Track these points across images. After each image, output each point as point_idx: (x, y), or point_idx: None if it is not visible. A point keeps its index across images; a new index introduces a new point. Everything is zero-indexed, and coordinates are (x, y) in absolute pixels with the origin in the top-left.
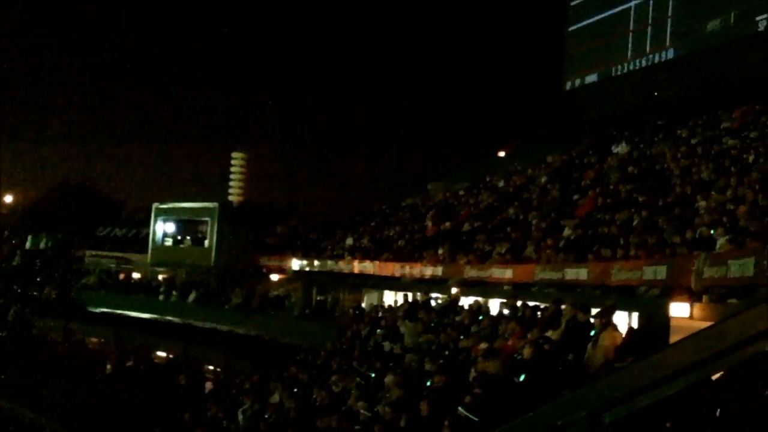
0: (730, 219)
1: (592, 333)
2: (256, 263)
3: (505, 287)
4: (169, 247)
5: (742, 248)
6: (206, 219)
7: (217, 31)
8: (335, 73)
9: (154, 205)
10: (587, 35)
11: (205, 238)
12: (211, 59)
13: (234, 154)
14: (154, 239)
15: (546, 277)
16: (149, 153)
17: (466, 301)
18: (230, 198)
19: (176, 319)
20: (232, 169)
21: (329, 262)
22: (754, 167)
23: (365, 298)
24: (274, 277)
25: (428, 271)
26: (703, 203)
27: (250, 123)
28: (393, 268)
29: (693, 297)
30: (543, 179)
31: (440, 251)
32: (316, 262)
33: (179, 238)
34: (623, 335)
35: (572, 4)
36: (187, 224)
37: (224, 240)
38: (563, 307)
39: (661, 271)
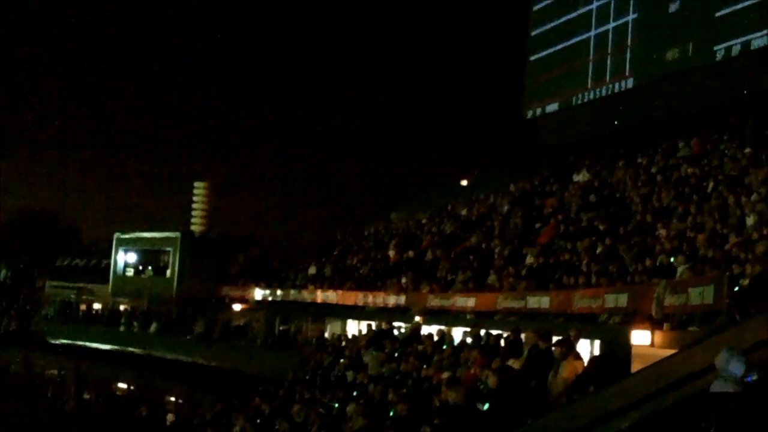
0: (690, 246)
1: (554, 361)
2: (219, 293)
3: (468, 316)
4: (130, 277)
5: (701, 276)
6: (168, 249)
7: (180, 61)
8: (297, 103)
9: (116, 235)
10: (548, 64)
11: (167, 268)
12: (173, 88)
13: (196, 184)
14: (115, 269)
15: (508, 305)
16: (111, 182)
17: (429, 330)
18: (192, 227)
19: (138, 350)
20: (195, 198)
21: (292, 292)
22: (713, 195)
23: (328, 328)
24: (237, 306)
25: (391, 299)
26: (663, 231)
27: (212, 152)
28: (356, 297)
29: (654, 324)
30: (505, 207)
31: (403, 280)
32: (278, 292)
33: (141, 268)
34: (584, 363)
35: (533, 34)
36: (149, 254)
37: (186, 270)
38: (524, 335)
39: (622, 299)
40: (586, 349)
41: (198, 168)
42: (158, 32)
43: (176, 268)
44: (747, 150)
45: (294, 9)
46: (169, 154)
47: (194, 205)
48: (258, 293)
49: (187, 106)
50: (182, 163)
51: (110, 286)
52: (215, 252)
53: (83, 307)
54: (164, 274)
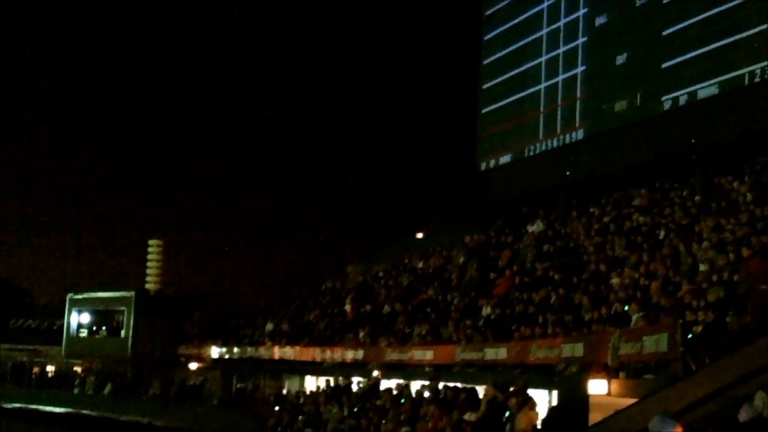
0: (644, 295)
1: (509, 413)
2: (175, 352)
3: (427, 369)
4: (84, 337)
5: (655, 324)
6: (122, 308)
7: (130, 122)
8: (248, 160)
9: (69, 296)
10: (500, 117)
11: (121, 328)
12: (127, 145)
13: (150, 242)
14: (68, 330)
15: (466, 358)
16: (63, 243)
17: (388, 384)
18: (147, 286)
19: (93, 413)
20: (149, 256)
21: (249, 349)
22: (665, 243)
23: (286, 384)
24: (193, 365)
25: (349, 354)
26: (616, 280)
27: (165, 210)
28: (314, 353)
29: (610, 373)
30: (461, 259)
31: (361, 334)
32: (235, 349)
33: (95, 328)
34: (539, 414)
35: (484, 87)
36: (103, 314)
37: (141, 329)
38: (483, 387)
39: (578, 349)
40: (544, 399)
41: (151, 226)
42: (108, 94)
43: (131, 328)
44: (696, 198)
45: (249, 75)
46: (122, 212)
47: (148, 264)
48: (214, 351)
49: (137, 164)
50: (135, 221)
51: (63, 348)
52: (170, 310)
53: (36, 369)
54: (118, 334)
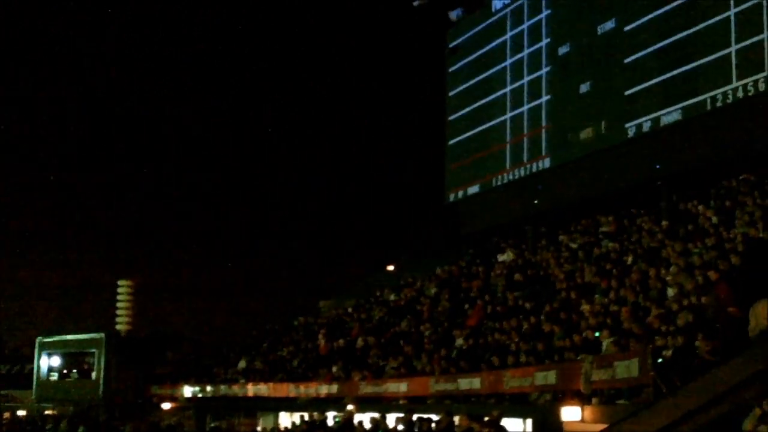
0: (614, 321)
1: None
2: (148, 393)
3: (401, 401)
4: (54, 381)
5: (626, 350)
6: (93, 350)
7: (99, 161)
8: (215, 196)
9: (38, 339)
10: (466, 148)
11: (92, 371)
12: (93, 186)
13: (120, 282)
14: (38, 374)
15: (441, 389)
16: (30, 285)
17: (363, 418)
18: (118, 327)
19: None
20: (119, 297)
21: (222, 387)
22: (633, 269)
23: (261, 422)
24: (166, 405)
25: (323, 389)
26: (587, 307)
27: (134, 250)
28: (288, 389)
29: (583, 400)
30: (432, 291)
31: (334, 369)
32: (208, 388)
33: (65, 371)
34: None
35: (450, 118)
36: (73, 357)
37: (112, 371)
38: (457, 418)
39: (551, 377)
40: (519, 428)
41: (120, 267)
42: (72, 129)
43: (102, 370)
44: (663, 223)
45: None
46: (90, 254)
47: (118, 305)
48: (187, 390)
49: (105, 205)
50: (103, 262)
51: (34, 392)
52: (142, 351)
53: (7, 414)
54: (89, 376)
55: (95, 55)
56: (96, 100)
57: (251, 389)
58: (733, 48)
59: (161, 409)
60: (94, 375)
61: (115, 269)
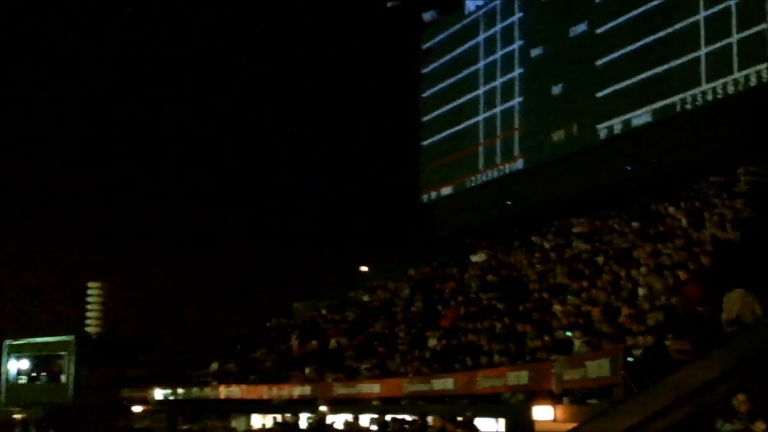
0: (586, 321)
1: None
2: (119, 396)
3: (375, 402)
4: (23, 384)
5: (597, 350)
6: (62, 353)
7: (69, 161)
8: (191, 196)
9: (6, 342)
10: (440, 149)
11: (61, 374)
12: (63, 187)
13: (90, 284)
14: (7, 378)
15: (414, 390)
16: None
17: (337, 419)
18: (88, 330)
19: None
20: (89, 299)
21: (194, 390)
22: (605, 269)
23: (233, 424)
24: (137, 408)
25: (297, 391)
26: (559, 307)
27: (104, 252)
28: (261, 391)
29: (555, 400)
30: (406, 292)
31: (307, 371)
32: (180, 390)
33: (34, 375)
34: None
35: (424, 120)
36: (42, 360)
37: (83, 375)
38: (431, 419)
39: (523, 377)
40: (492, 428)
41: (90, 269)
42: (45, 130)
43: (72, 374)
44: (634, 224)
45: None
46: (59, 256)
47: (88, 307)
48: (158, 393)
49: (74, 206)
50: (73, 264)
51: (3, 396)
52: (113, 354)
53: None
54: (59, 380)
55: (71, 48)
56: (66, 103)
57: (224, 391)
58: (703, 51)
59: (132, 412)
60: (63, 378)
61: (84, 272)
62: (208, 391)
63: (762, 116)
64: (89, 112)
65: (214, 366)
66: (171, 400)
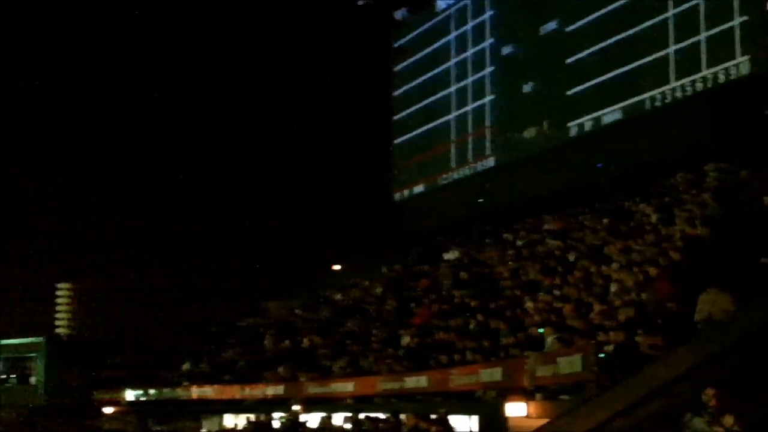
0: (558, 317)
1: None
2: (89, 398)
3: (348, 401)
4: None
5: (569, 346)
6: (32, 355)
7: (39, 160)
8: (159, 197)
9: None
10: (412, 147)
11: (31, 375)
12: (31, 183)
13: (60, 285)
14: None
15: (388, 388)
16: None
17: (310, 419)
18: (58, 331)
19: None
20: (59, 301)
21: (165, 390)
22: (576, 266)
23: (205, 424)
24: (108, 409)
25: (270, 390)
26: (531, 304)
27: (74, 253)
28: (234, 391)
29: (528, 396)
30: (379, 290)
31: (280, 370)
32: (151, 391)
33: (3, 376)
34: None
35: (396, 118)
36: (12, 362)
37: (53, 376)
38: (403, 416)
39: (496, 374)
40: (465, 425)
41: (60, 269)
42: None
43: (42, 376)
44: (605, 221)
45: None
46: (29, 255)
47: (58, 308)
48: (129, 394)
49: (42, 205)
50: (42, 265)
51: None
52: (84, 355)
53: None
54: (29, 381)
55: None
56: (32, 104)
57: (196, 392)
58: (672, 49)
59: (103, 414)
60: (33, 380)
61: (54, 272)
62: (180, 392)
63: (730, 113)
64: (57, 113)
65: (186, 366)
66: (142, 401)
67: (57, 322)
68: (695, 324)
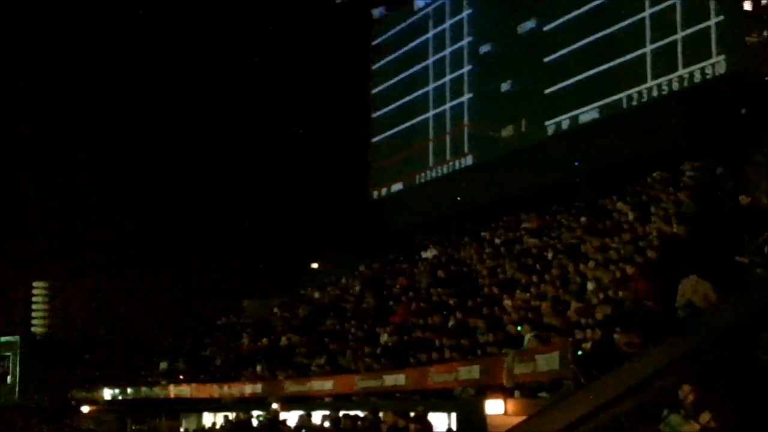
0: (536, 315)
1: None
2: (66, 397)
3: (327, 399)
4: None
5: (547, 344)
6: (7, 354)
7: (11, 158)
8: (135, 195)
9: None
10: (390, 146)
11: (7, 375)
12: (6, 182)
13: (35, 284)
14: None
15: (366, 386)
16: None
17: (289, 417)
18: (34, 330)
19: None
20: (35, 299)
21: (144, 389)
22: (554, 264)
23: (183, 423)
24: (85, 408)
25: (248, 389)
26: (509, 302)
27: (50, 252)
28: (211, 390)
29: (506, 394)
30: (357, 288)
31: (258, 368)
32: (129, 390)
33: None
34: None
35: (374, 116)
36: None
37: (29, 375)
38: (382, 414)
39: (474, 372)
40: (444, 423)
41: (35, 268)
42: None
43: (18, 375)
44: (582, 219)
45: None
46: (4, 253)
47: (34, 306)
48: (107, 393)
49: (17, 204)
50: (18, 263)
51: None
52: (60, 354)
53: None
54: (5, 381)
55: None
56: (6, 102)
57: (173, 390)
58: (648, 48)
59: (81, 413)
60: (9, 379)
61: (30, 271)
62: (157, 391)
63: (706, 112)
64: (36, 114)
65: (164, 365)
66: (120, 400)
67: (33, 321)
68: (673, 319)
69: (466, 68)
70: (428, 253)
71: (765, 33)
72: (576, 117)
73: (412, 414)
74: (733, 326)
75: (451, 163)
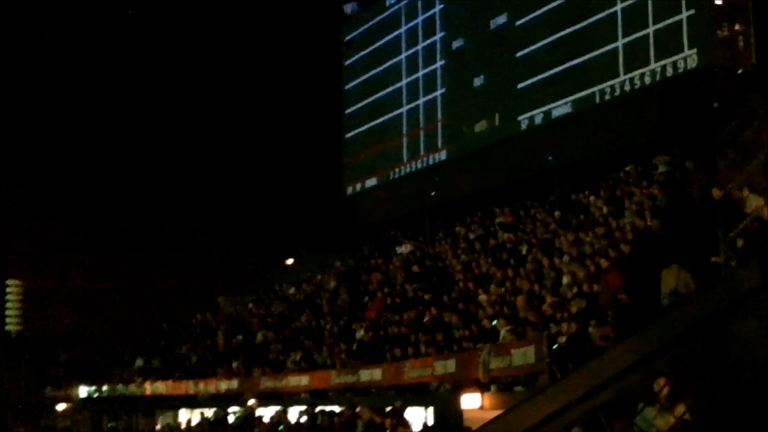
0: (510, 310)
1: None
2: (41, 395)
3: (303, 395)
4: None
5: (522, 338)
6: None
7: None
8: (108, 194)
9: None
10: (364, 141)
11: None
12: None
13: (9, 282)
14: None
15: (342, 381)
16: None
17: (265, 413)
18: (7, 328)
19: None
20: (8, 297)
21: (119, 387)
22: (528, 258)
23: (159, 420)
24: (60, 406)
25: (223, 386)
26: (484, 297)
27: (23, 249)
28: (187, 386)
29: (482, 388)
30: (332, 284)
31: (234, 365)
32: (104, 388)
33: None
34: None
35: (347, 112)
36: None
37: (2, 373)
38: (359, 410)
39: (450, 366)
40: (420, 417)
41: (9, 266)
42: None
43: None
44: (556, 214)
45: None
46: None
47: (8, 305)
48: (82, 391)
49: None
50: None
51: None
52: (34, 353)
53: None
54: None
55: None
56: None
57: (149, 388)
58: (620, 42)
59: (56, 411)
60: None
61: (2, 269)
62: (133, 388)
63: (677, 106)
64: (3, 110)
65: (139, 362)
66: (95, 398)
67: (6, 320)
68: (646, 312)
69: (439, 63)
70: (403, 249)
71: (736, 27)
72: (549, 111)
73: (388, 409)
74: (706, 319)
75: (424, 158)
